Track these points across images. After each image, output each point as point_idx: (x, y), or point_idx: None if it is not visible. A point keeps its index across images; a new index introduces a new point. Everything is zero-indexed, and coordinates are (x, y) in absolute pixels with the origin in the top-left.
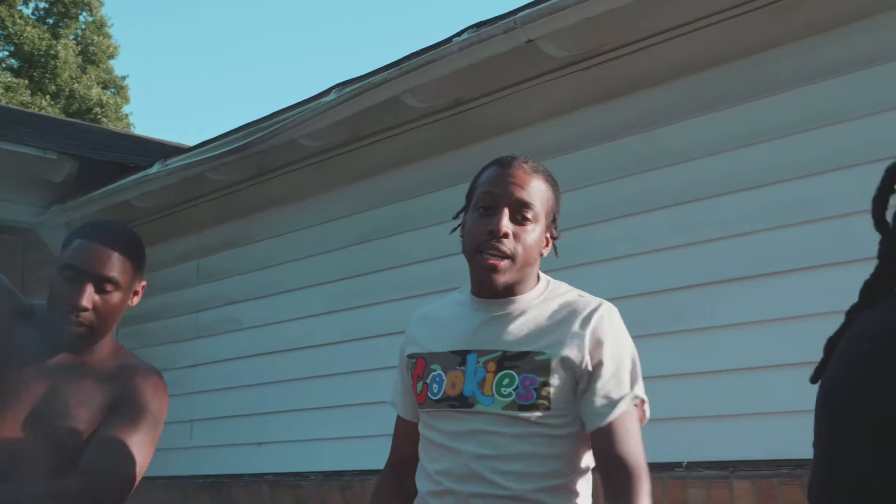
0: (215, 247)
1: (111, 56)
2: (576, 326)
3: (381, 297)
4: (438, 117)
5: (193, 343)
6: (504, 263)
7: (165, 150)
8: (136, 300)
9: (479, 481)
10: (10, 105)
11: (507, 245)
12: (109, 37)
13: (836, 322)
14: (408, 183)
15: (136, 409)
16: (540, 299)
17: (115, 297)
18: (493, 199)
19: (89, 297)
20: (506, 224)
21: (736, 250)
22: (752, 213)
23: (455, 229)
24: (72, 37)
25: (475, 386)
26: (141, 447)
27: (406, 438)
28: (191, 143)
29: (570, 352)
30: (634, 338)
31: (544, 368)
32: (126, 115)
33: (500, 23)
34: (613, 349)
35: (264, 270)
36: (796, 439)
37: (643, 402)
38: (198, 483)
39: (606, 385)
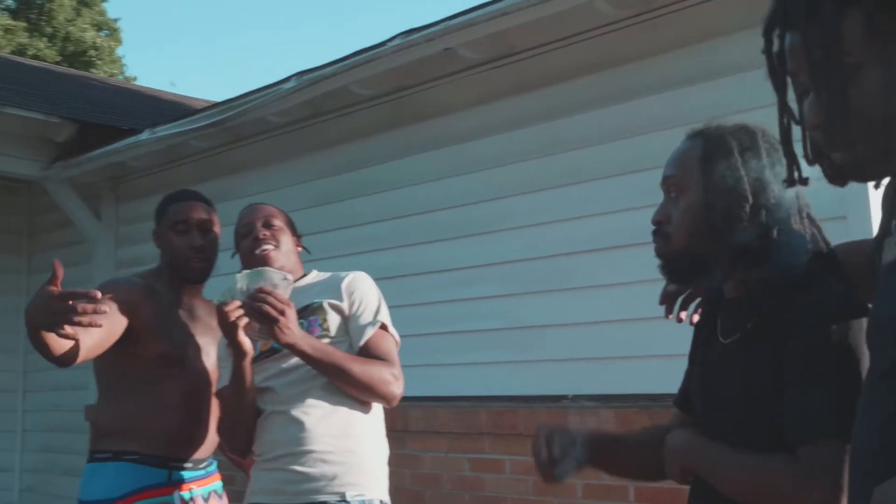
0: None
1: None
2: (335, 284)
3: (336, 253)
4: (382, 101)
5: None
6: (272, 250)
7: (157, 104)
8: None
9: (294, 401)
10: (12, 57)
11: (269, 241)
12: None
13: None
14: (357, 155)
15: None
16: (309, 279)
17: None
18: (249, 226)
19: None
20: (262, 230)
21: None
22: None
23: (234, 254)
24: None
25: None
26: None
27: None
28: (178, 84)
29: (334, 298)
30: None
31: (320, 310)
32: (119, 57)
33: (424, 32)
34: (360, 294)
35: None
36: (650, 378)
37: (386, 326)
38: None
39: (361, 317)
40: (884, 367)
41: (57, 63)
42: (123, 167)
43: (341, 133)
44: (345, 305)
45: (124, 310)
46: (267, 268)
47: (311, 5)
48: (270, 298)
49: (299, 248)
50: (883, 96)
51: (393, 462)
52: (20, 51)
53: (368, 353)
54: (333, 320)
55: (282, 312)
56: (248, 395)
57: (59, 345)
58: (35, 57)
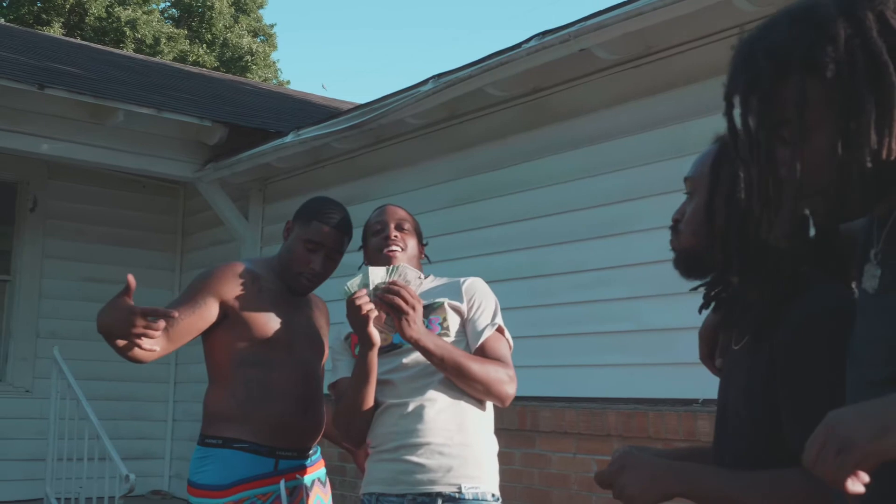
0: None
1: (261, 6)
2: (454, 287)
3: (469, 253)
4: (517, 102)
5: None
6: (399, 252)
7: (305, 107)
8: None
9: (413, 394)
10: (172, 63)
11: (398, 242)
12: None
13: None
14: (493, 156)
15: None
16: (428, 283)
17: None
18: (382, 224)
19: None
20: (394, 231)
21: None
22: None
23: (360, 248)
24: None
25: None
26: None
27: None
28: (330, 88)
29: (454, 299)
30: None
31: (440, 309)
32: (274, 62)
33: (559, 33)
34: (479, 298)
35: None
36: None
37: (502, 329)
38: None
39: (479, 319)
40: (876, 377)
41: (215, 69)
42: (270, 169)
43: (477, 134)
44: (464, 307)
45: (212, 300)
46: (404, 264)
47: (450, 6)
48: (404, 292)
49: (422, 256)
50: (815, 160)
51: (521, 461)
52: (182, 57)
53: (485, 353)
54: (453, 320)
55: (412, 307)
56: (371, 387)
57: (136, 352)
58: (195, 63)
